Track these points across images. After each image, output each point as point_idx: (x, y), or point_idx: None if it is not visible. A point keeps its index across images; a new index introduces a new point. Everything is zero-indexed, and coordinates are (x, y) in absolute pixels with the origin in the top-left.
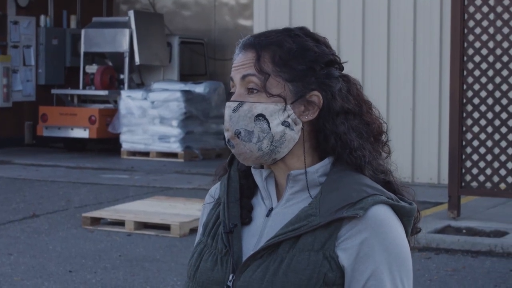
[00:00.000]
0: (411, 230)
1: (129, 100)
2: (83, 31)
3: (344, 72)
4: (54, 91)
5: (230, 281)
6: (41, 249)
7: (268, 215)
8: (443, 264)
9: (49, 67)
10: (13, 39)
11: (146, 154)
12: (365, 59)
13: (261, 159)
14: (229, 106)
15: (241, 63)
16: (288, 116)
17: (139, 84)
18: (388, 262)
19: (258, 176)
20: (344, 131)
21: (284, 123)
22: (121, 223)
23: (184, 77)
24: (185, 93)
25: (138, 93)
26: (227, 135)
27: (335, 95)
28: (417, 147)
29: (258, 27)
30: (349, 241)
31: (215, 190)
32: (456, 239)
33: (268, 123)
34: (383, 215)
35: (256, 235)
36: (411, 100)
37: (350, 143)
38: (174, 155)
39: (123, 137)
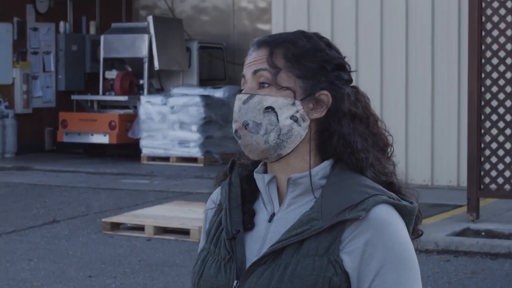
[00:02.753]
0: (414, 232)
1: (149, 106)
2: (102, 37)
3: (362, 76)
4: (74, 97)
5: None
6: (61, 254)
7: (270, 220)
8: (462, 267)
9: (68, 73)
10: (32, 46)
11: (166, 159)
12: (383, 62)
13: (266, 153)
14: (240, 98)
15: (253, 60)
16: (297, 111)
17: (159, 89)
18: (392, 261)
19: (260, 181)
20: (349, 132)
21: (293, 118)
22: (140, 228)
23: (203, 82)
24: (205, 98)
25: (157, 98)
26: (235, 125)
27: (343, 97)
28: (436, 150)
29: (277, 31)
30: (353, 243)
31: (216, 195)
32: (475, 241)
33: (277, 115)
34: (385, 215)
35: (259, 241)
36: (430, 103)
37: (353, 144)
38: (193, 160)
39: (143, 142)
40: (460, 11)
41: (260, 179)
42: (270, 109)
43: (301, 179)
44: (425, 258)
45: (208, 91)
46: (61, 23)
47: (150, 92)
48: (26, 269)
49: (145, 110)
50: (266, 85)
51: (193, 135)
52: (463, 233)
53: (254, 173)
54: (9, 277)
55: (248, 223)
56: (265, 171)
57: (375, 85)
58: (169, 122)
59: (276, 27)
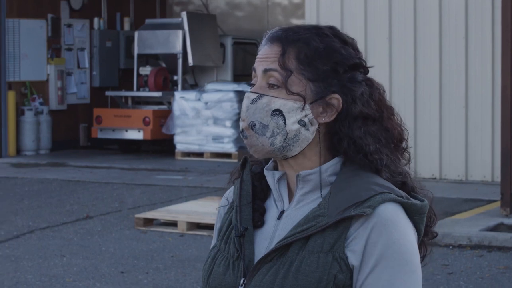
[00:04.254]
0: (427, 234)
1: (183, 101)
2: (136, 33)
3: (395, 71)
4: (108, 93)
5: (241, 285)
6: (93, 250)
7: (279, 217)
8: (495, 262)
9: (103, 70)
10: (67, 42)
11: (200, 154)
12: (417, 57)
13: (271, 154)
14: (248, 97)
15: (265, 56)
16: (306, 116)
17: (193, 85)
18: (388, 259)
19: (271, 178)
20: (360, 135)
21: (300, 122)
22: (173, 224)
23: (237, 78)
24: (239, 93)
25: (191, 94)
26: (241, 125)
27: (355, 99)
28: (470, 145)
29: None
30: (356, 240)
31: (230, 193)
32: (508, 236)
33: (285, 119)
34: (391, 214)
35: (268, 238)
36: (464, 97)
37: (365, 147)
38: (228, 155)
39: (177, 138)
40: (494, 5)
41: (271, 176)
42: (278, 112)
43: (310, 175)
44: (458, 253)
45: (242, 87)
46: (95, 20)
47: (184, 88)
48: (59, 265)
49: (179, 106)
50: (276, 86)
51: (227, 131)
52: (496, 228)
53: (264, 170)
54: (42, 273)
55: (258, 221)
56: (276, 168)
57: (408, 80)
58: (203, 118)
59: (310, 22)
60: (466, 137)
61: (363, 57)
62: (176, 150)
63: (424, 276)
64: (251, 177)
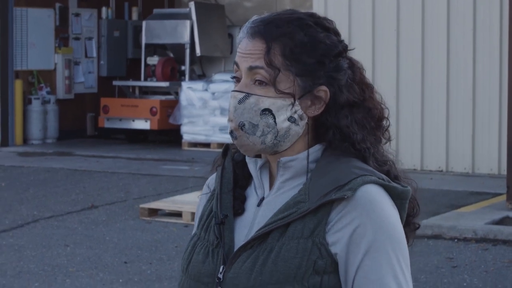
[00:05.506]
0: (409, 225)
1: (190, 92)
2: (144, 23)
3: (403, 63)
4: (115, 82)
5: (220, 273)
6: (97, 240)
7: (259, 204)
8: (500, 256)
9: (110, 59)
10: (74, 31)
11: (207, 145)
12: (425, 50)
13: (262, 151)
14: (235, 96)
15: (248, 52)
16: (295, 112)
17: (200, 75)
18: (382, 240)
19: (253, 165)
20: (347, 124)
21: (291, 119)
22: (178, 214)
23: None
24: None
25: (199, 85)
26: (230, 125)
27: (341, 87)
28: (477, 138)
29: None
30: (339, 224)
31: (212, 180)
32: None
33: (275, 118)
34: (373, 194)
35: (247, 226)
36: (471, 90)
37: (353, 136)
38: None
39: (184, 129)
40: None
41: (253, 162)
42: (267, 111)
43: (290, 162)
44: (463, 246)
45: None
46: (103, 9)
47: (191, 78)
48: (62, 255)
49: (187, 96)
50: (263, 83)
51: None
52: (502, 221)
53: (246, 157)
54: (45, 263)
55: (239, 209)
56: (259, 156)
57: (416, 73)
58: (210, 108)
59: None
60: (473, 130)
61: (343, 39)
62: (183, 141)
63: (429, 269)
64: (232, 165)
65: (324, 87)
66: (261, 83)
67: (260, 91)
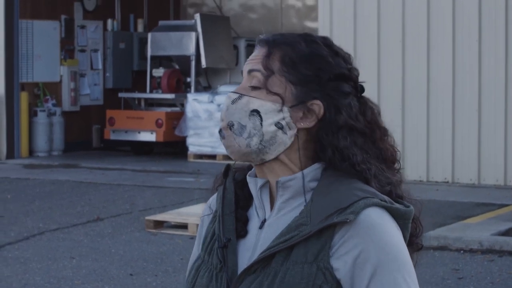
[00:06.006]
0: (412, 245)
1: (196, 103)
2: (150, 35)
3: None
4: (121, 94)
5: None
6: (103, 252)
7: (261, 227)
8: (506, 267)
9: (116, 71)
10: (80, 43)
11: (213, 157)
12: (430, 60)
13: (248, 156)
14: (230, 96)
15: (252, 58)
16: (283, 118)
17: (206, 87)
18: (386, 262)
19: (253, 185)
20: (346, 145)
21: (277, 125)
22: (184, 226)
23: None
24: None
25: (204, 96)
26: (221, 124)
27: (340, 109)
28: (483, 148)
29: (323, 30)
30: (342, 249)
31: (213, 201)
32: None
33: (261, 120)
34: (375, 218)
35: (250, 249)
36: (477, 101)
37: (352, 157)
38: None
39: (189, 140)
40: (508, 8)
41: (253, 182)
42: (255, 112)
43: (289, 181)
44: (469, 257)
45: None
46: (109, 21)
47: (197, 90)
48: (68, 267)
49: (192, 108)
50: (258, 88)
51: None
52: (508, 232)
53: (247, 177)
54: (51, 275)
55: (241, 231)
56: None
57: (422, 83)
58: (216, 120)
59: (323, 25)
60: (479, 141)
61: (357, 73)
62: (189, 152)
63: (434, 280)
64: (233, 185)
65: (318, 102)
66: (256, 88)
67: (253, 93)
